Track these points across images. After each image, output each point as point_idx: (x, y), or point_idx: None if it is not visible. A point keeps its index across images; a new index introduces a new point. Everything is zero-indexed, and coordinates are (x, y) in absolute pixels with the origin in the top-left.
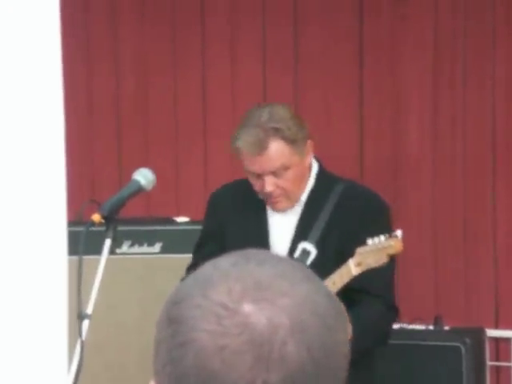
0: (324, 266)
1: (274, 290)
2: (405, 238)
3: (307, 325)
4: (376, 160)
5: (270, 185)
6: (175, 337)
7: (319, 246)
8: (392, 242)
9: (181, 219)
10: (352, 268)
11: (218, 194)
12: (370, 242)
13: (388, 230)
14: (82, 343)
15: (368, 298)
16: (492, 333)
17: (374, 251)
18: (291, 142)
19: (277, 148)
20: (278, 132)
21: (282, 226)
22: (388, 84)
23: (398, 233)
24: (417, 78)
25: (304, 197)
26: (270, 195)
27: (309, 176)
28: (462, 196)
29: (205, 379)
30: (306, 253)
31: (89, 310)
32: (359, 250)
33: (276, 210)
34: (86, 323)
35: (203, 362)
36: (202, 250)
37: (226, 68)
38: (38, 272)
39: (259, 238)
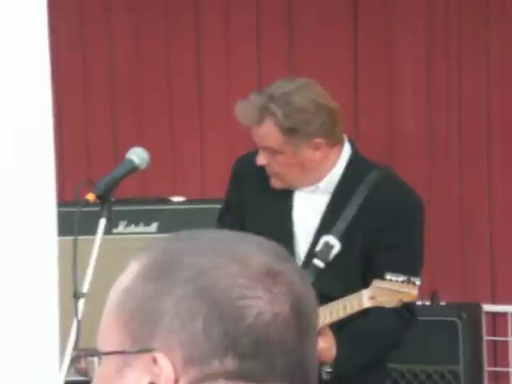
0: (348, 262)
1: (291, 260)
2: None
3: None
4: (371, 135)
5: (260, 158)
6: (219, 305)
7: (343, 240)
8: (407, 289)
9: (177, 198)
10: (364, 300)
11: (241, 161)
12: (388, 277)
13: (418, 231)
14: (78, 322)
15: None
16: (488, 308)
17: (390, 292)
18: (285, 130)
19: (267, 130)
20: (272, 115)
21: (306, 215)
22: (382, 58)
23: (418, 281)
24: (411, 51)
25: (332, 184)
26: (268, 171)
27: (306, 169)
28: (457, 170)
29: (260, 343)
30: (328, 246)
31: (84, 289)
32: (376, 284)
33: (272, 186)
34: (81, 302)
35: (260, 327)
36: (223, 221)
37: (221, 45)
38: (28, 252)
39: (281, 218)
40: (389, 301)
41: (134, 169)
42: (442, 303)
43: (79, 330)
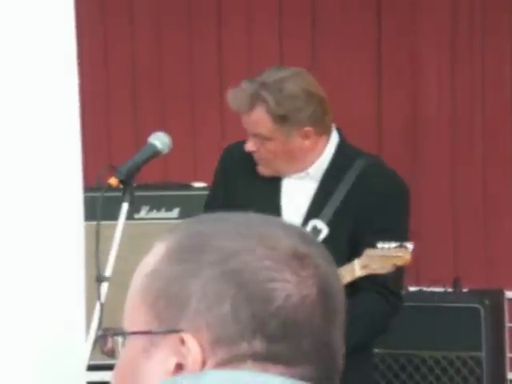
0: (335, 247)
1: (316, 243)
2: (423, 199)
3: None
4: (394, 122)
5: (249, 145)
6: (247, 287)
7: (331, 224)
8: (401, 253)
9: (198, 184)
10: (357, 269)
11: (230, 150)
12: (379, 245)
13: (405, 216)
14: (101, 305)
15: (371, 287)
16: (511, 294)
17: (382, 258)
18: (276, 117)
19: (258, 116)
20: (264, 102)
21: (295, 197)
22: (406, 45)
23: (410, 245)
24: (435, 39)
25: (320, 171)
26: (256, 156)
27: (296, 156)
28: (481, 156)
29: (288, 326)
30: (316, 230)
31: (107, 272)
32: (367, 252)
33: (260, 172)
34: (104, 286)
35: (288, 310)
36: (211, 207)
37: (242, 31)
38: (56, 236)
39: (269, 205)
40: (382, 267)
41: (156, 153)
42: (465, 290)
43: (102, 314)
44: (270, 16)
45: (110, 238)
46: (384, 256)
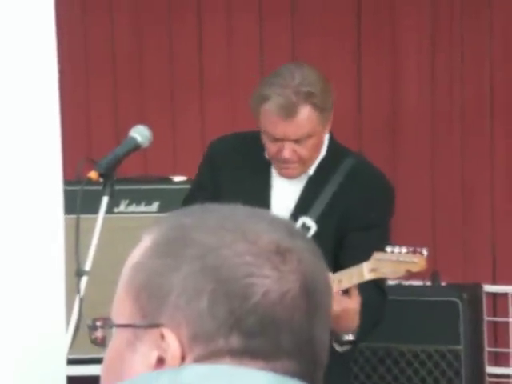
0: (323, 244)
1: (303, 237)
2: (402, 194)
3: (323, 270)
4: (374, 114)
5: (289, 151)
6: (225, 283)
7: (320, 221)
8: (416, 260)
9: (178, 178)
10: (365, 272)
11: (218, 144)
12: (389, 249)
13: (390, 214)
14: (81, 299)
15: (368, 283)
16: (489, 288)
17: (394, 262)
18: (320, 110)
19: (306, 115)
20: (309, 97)
21: (284, 196)
22: (386, 40)
23: (425, 251)
24: (415, 34)
25: (312, 167)
26: (285, 161)
27: (322, 146)
28: (459, 151)
29: (265, 322)
30: (305, 227)
31: (86, 266)
32: (376, 256)
33: (286, 176)
34: (84, 280)
35: (266, 306)
36: (192, 201)
37: (223, 25)
38: (35, 230)
39: (258, 202)
40: (393, 271)
41: (136, 147)
42: (443, 283)
43: (81, 308)
44: (250, 9)
45: (89, 231)
46: (396, 261)
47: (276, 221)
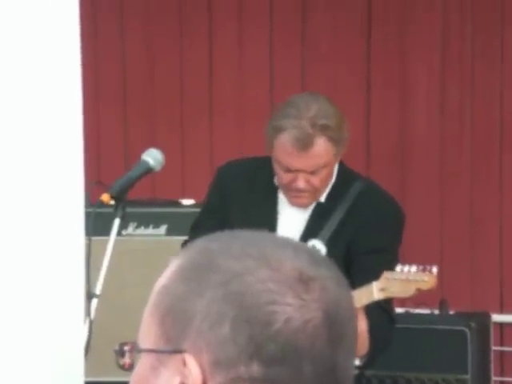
0: None
1: (328, 266)
2: (411, 221)
3: (348, 301)
4: (383, 142)
5: (303, 182)
6: (247, 310)
7: (329, 245)
8: (426, 278)
9: (186, 201)
10: (375, 292)
11: (226, 170)
12: (398, 268)
13: (399, 238)
14: (91, 322)
15: (376, 308)
16: (497, 317)
17: (403, 281)
18: (336, 142)
19: (322, 147)
20: (325, 130)
21: (292, 220)
22: (395, 66)
23: (434, 269)
24: (424, 60)
25: (323, 195)
26: (298, 191)
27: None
28: (468, 179)
29: (286, 350)
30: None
31: (97, 289)
32: (386, 275)
33: (298, 205)
34: (94, 302)
35: (288, 334)
36: (201, 227)
37: (233, 49)
38: (57, 252)
39: (265, 227)
40: (403, 291)
41: (148, 170)
42: (451, 312)
43: (91, 330)
44: (261, 35)
45: (98, 253)
46: (406, 280)
47: (300, 248)
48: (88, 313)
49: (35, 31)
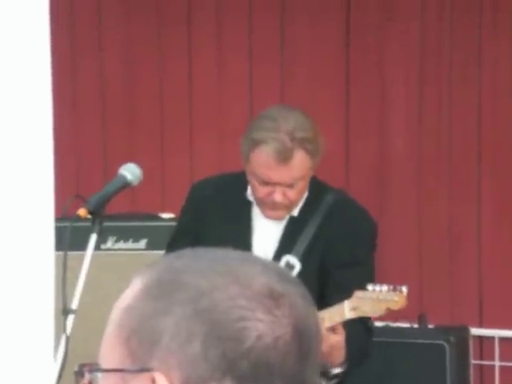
0: (307, 282)
1: (295, 282)
2: (389, 235)
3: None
4: (361, 157)
5: (280, 195)
6: (218, 326)
7: (303, 259)
8: (396, 298)
9: (166, 215)
10: (346, 311)
11: (199, 187)
12: (370, 287)
13: (372, 249)
14: (67, 338)
15: (353, 319)
16: (476, 331)
17: (374, 301)
18: (313, 154)
19: (300, 160)
20: (304, 143)
21: (266, 234)
22: (374, 80)
23: (404, 289)
24: (403, 73)
25: (296, 208)
26: (274, 205)
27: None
28: (446, 194)
29: (258, 366)
30: (289, 266)
31: (74, 305)
32: (358, 294)
33: (273, 218)
34: (70, 318)
35: (260, 351)
36: (175, 247)
37: (212, 63)
38: (25, 267)
39: (241, 243)
40: (373, 311)
41: (126, 185)
42: (430, 326)
43: (67, 346)
44: (240, 49)
45: (76, 268)
46: (376, 299)
47: (267, 265)
48: (64, 329)
49: (5, 40)
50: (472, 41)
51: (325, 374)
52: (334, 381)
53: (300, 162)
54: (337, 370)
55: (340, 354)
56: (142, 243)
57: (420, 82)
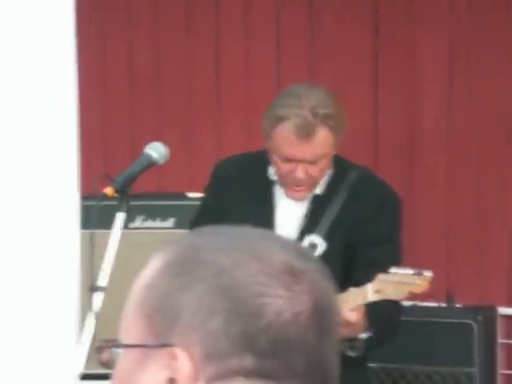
0: (332, 261)
1: (313, 259)
2: (418, 213)
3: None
4: (391, 134)
5: (302, 172)
6: (239, 303)
7: (327, 238)
8: (419, 281)
9: (193, 194)
10: (369, 293)
11: (222, 166)
12: (393, 270)
13: (398, 226)
14: (95, 315)
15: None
16: (504, 311)
17: (397, 284)
18: (336, 131)
19: (324, 137)
20: (326, 119)
21: (289, 214)
22: (404, 57)
23: (428, 273)
24: (433, 52)
25: (320, 186)
26: (297, 182)
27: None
28: (475, 170)
29: (278, 342)
30: (313, 246)
31: (101, 282)
32: (381, 277)
33: (295, 198)
34: (97, 295)
35: (279, 326)
36: (199, 225)
37: (240, 44)
38: (51, 245)
39: (264, 223)
40: (395, 293)
41: (152, 163)
42: (458, 305)
43: (95, 324)
44: (268, 30)
45: (104, 246)
46: (400, 282)
47: (286, 242)
48: (92, 306)
49: (30, 30)
50: (503, 12)
51: (349, 345)
52: (359, 350)
53: (322, 139)
54: (362, 336)
55: (359, 327)
56: (170, 222)
57: (450, 55)
